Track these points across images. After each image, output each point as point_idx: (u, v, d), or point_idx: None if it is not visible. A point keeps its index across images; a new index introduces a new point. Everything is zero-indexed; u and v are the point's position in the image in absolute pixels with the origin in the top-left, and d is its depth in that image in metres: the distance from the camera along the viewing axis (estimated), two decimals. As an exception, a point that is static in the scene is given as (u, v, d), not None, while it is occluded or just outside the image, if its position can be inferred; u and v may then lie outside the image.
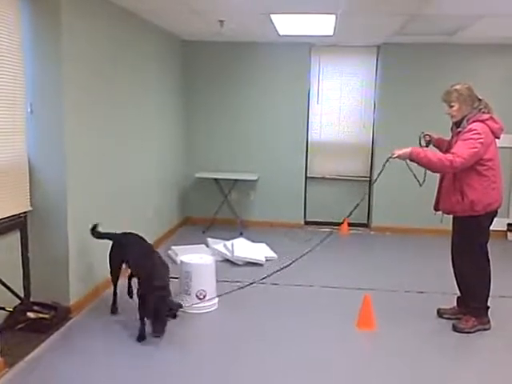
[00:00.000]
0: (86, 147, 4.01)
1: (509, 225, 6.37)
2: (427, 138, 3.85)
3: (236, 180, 6.55)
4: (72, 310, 3.78)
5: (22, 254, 3.67)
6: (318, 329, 3.74)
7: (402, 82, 6.45)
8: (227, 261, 5.26)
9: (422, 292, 4.45)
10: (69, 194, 3.73)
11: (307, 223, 6.94)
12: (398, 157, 3.55)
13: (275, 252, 5.49)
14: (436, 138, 3.86)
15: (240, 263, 5.20)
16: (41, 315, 3.58)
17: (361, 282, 4.65)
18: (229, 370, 3.14)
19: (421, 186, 3.74)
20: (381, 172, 3.70)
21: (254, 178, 6.54)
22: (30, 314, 3.57)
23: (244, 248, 5.36)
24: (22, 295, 3.66)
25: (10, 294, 3.51)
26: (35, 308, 3.61)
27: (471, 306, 3.73)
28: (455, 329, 3.68)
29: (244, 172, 6.65)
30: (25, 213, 3.65)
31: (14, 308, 3.56)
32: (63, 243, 3.73)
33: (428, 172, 3.66)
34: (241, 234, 6.05)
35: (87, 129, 4.01)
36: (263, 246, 5.61)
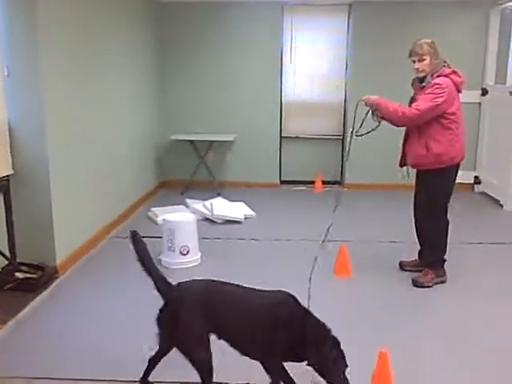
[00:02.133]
0: (64, 110, 4.02)
1: (475, 177, 6.65)
2: (380, 114, 3.76)
3: (212, 141, 6.61)
4: (59, 270, 3.88)
5: (6, 217, 3.72)
6: (298, 276, 3.92)
7: (373, 40, 6.55)
8: (207, 220, 5.39)
9: (393, 242, 4.70)
10: (50, 157, 3.76)
11: (283, 182, 7.10)
12: (367, 100, 3.64)
13: (253, 210, 5.65)
14: None
15: (219, 221, 5.34)
16: (28, 275, 3.66)
17: (336, 235, 4.85)
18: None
19: (358, 136, 3.77)
20: (362, 122, 3.74)
21: (230, 138, 6.61)
22: (18, 275, 3.65)
23: (223, 207, 5.50)
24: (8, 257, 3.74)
25: (-3, 255, 3.59)
26: (23, 268, 3.70)
27: (429, 260, 3.84)
28: (415, 283, 3.77)
29: (220, 133, 6.72)
30: (7, 176, 3.68)
31: (2, 268, 3.65)
32: (47, 205, 3.78)
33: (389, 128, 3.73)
34: (218, 195, 6.16)
35: (64, 92, 4.01)
36: (241, 204, 5.75)
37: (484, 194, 6.50)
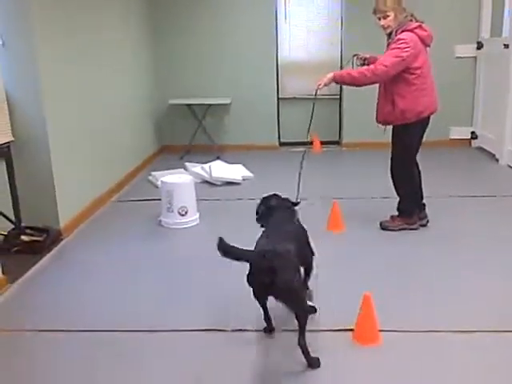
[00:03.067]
0: (62, 77, 4.10)
1: (472, 133, 6.68)
2: (361, 57, 3.90)
3: (209, 105, 6.67)
4: (63, 232, 4.04)
5: (10, 183, 3.85)
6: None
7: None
8: (206, 182, 5.51)
9: (386, 197, 4.79)
10: (48, 122, 3.85)
11: (282, 144, 7.16)
12: (325, 85, 3.67)
13: (252, 172, 5.75)
14: (369, 57, 3.90)
15: (218, 183, 5.45)
16: (34, 238, 3.83)
17: (332, 193, 4.96)
18: (215, 272, 3.46)
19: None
20: (316, 94, 3.90)
21: (227, 101, 6.66)
22: (24, 237, 3.81)
23: (221, 169, 5.60)
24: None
25: (3, 219, 3.74)
26: (28, 231, 3.86)
27: (398, 207, 4.03)
28: (382, 227, 4.02)
29: (217, 96, 6.76)
30: (8, 143, 3.80)
31: (8, 232, 3.81)
32: (48, 170, 3.90)
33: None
34: (217, 159, 6.25)
35: (60, 56, 4.08)
36: (240, 166, 5.85)
37: (481, 148, 6.55)
